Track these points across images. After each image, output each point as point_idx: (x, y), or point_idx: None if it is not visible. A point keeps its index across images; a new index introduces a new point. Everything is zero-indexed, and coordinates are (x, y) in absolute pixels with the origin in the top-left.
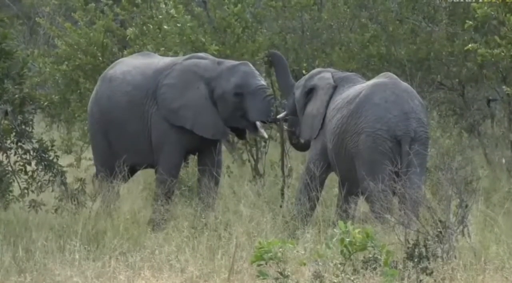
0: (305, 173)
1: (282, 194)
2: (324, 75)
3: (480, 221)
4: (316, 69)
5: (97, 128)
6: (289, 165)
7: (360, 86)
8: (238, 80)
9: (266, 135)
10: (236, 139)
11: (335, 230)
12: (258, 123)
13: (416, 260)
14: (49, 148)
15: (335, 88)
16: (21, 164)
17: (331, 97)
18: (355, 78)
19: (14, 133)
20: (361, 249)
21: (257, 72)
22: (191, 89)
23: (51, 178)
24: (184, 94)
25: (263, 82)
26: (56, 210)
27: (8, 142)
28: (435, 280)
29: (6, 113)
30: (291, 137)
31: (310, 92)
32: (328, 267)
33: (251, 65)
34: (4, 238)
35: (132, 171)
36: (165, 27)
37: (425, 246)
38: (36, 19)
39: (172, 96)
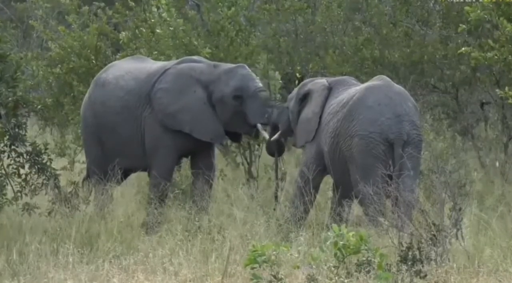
0: (299, 176)
1: (276, 197)
2: (318, 81)
3: (474, 224)
4: (308, 79)
5: (90, 132)
6: (282, 168)
7: (354, 89)
8: (237, 83)
9: (268, 137)
10: (229, 142)
11: (329, 233)
12: (259, 125)
13: (409, 263)
14: (43, 151)
15: (330, 89)
16: (15, 167)
17: (326, 98)
18: (349, 81)
19: (7, 137)
20: (355, 252)
21: (254, 75)
22: (187, 93)
23: (44, 181)
24: (181, 98)
25: (261, 84)
26: (49, 213)
27: (2, 145)
28: None
29: None
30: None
31: (304, 98)
32: (321, 270)
33: (248, 68)
34: None
35: (125, 174)
36: (158, 30)
37: (418, 249)
38: (30, 22)
39: (169, 101)
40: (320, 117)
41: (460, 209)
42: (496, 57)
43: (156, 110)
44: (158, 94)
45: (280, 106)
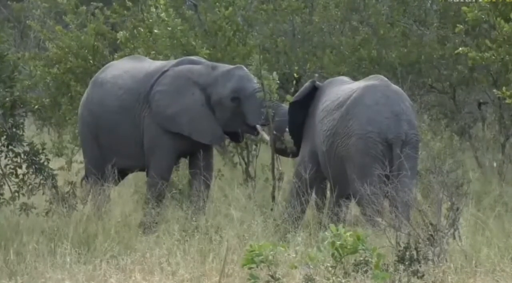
0: (295, 175)
1: (273, 197)
2: None
3: (471, 224)
4: None
5: (88, 131)
6: (280, 168)
7: (349, 87)
8: (234, 85)
9: (267, 138)
10: (227, 142)
11: (326, 233)
12: (258, 126)
13: (407, 263)
14: (40, 151)
15: (313, 82)
16: (12, 167)
17: (311, 90)
18: (342, 79)
19: (4, 137)
20: (352, 252)
21: (252, 76)
22: (185, 96)
23: (42, 181)
24: (179, 100)
25: (259, 85)
26: (47, 213)
27: None
28: None
29: None
30: (275, 142)
31: None
32: (319, 270)
33: (245, 68)
34: None
35: (123, 174)
36: (156, 30)
37: (416, 249)
38: (27, 22)
39: (167, 103)
40: (314, 114)
41: (457, 209)
42: (493, 57)
43: (154, 112)
44: (156, 96)
45: (277, 105)
